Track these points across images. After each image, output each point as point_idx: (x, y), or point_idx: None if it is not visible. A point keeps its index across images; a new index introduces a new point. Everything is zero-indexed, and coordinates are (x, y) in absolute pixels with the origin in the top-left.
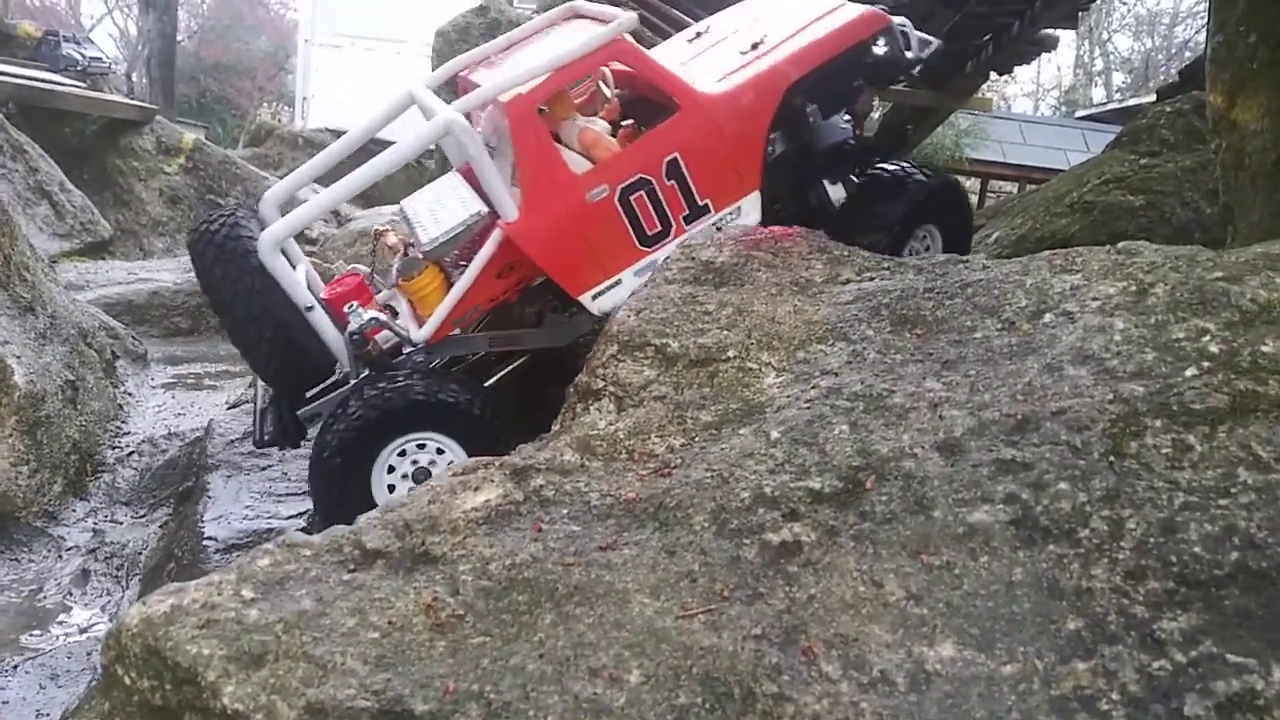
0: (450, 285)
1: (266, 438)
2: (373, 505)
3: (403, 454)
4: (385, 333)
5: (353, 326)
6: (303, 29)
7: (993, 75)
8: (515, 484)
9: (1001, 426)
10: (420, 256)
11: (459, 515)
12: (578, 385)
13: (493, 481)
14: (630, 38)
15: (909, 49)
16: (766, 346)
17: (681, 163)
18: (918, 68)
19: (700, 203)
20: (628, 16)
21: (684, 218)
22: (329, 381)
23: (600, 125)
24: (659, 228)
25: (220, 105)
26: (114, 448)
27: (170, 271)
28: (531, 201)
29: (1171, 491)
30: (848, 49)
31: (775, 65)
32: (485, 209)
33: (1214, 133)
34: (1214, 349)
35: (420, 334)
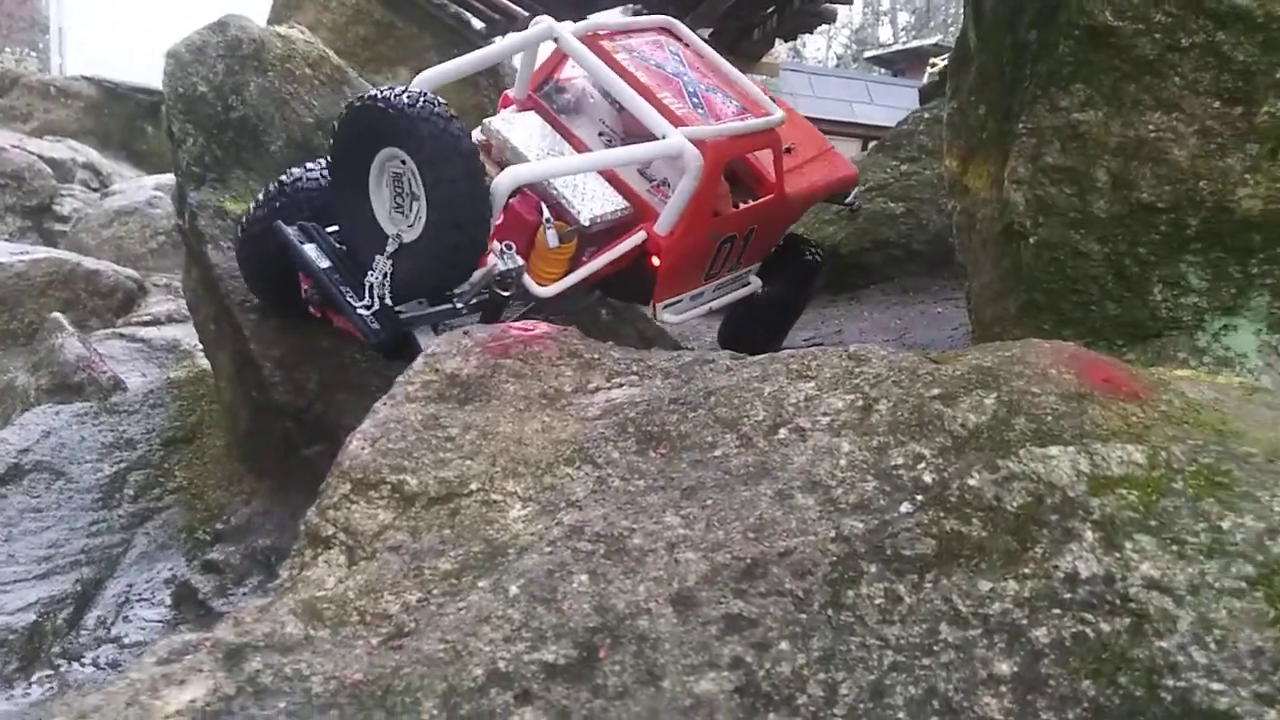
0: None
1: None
2: None
3: None
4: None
5: (504, 267)
6: None
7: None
8: (227, 672)
9: (732, 572)
10: (573, 227)
11: None
12: (307, 528)
13: (201, 671)
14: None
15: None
16: (512, 474)
17: (755, 235)
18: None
19: (744, 264)
20: (779, 115)
21: (730, 268)
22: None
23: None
24: (717, 270)
25: None
26: None
27: None
28: (688, 228)
29: (882, 650)
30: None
31: (813, 183)
32: (628, 206)
33: (949, 195)
34: (928, 479)
35: (546, 291)
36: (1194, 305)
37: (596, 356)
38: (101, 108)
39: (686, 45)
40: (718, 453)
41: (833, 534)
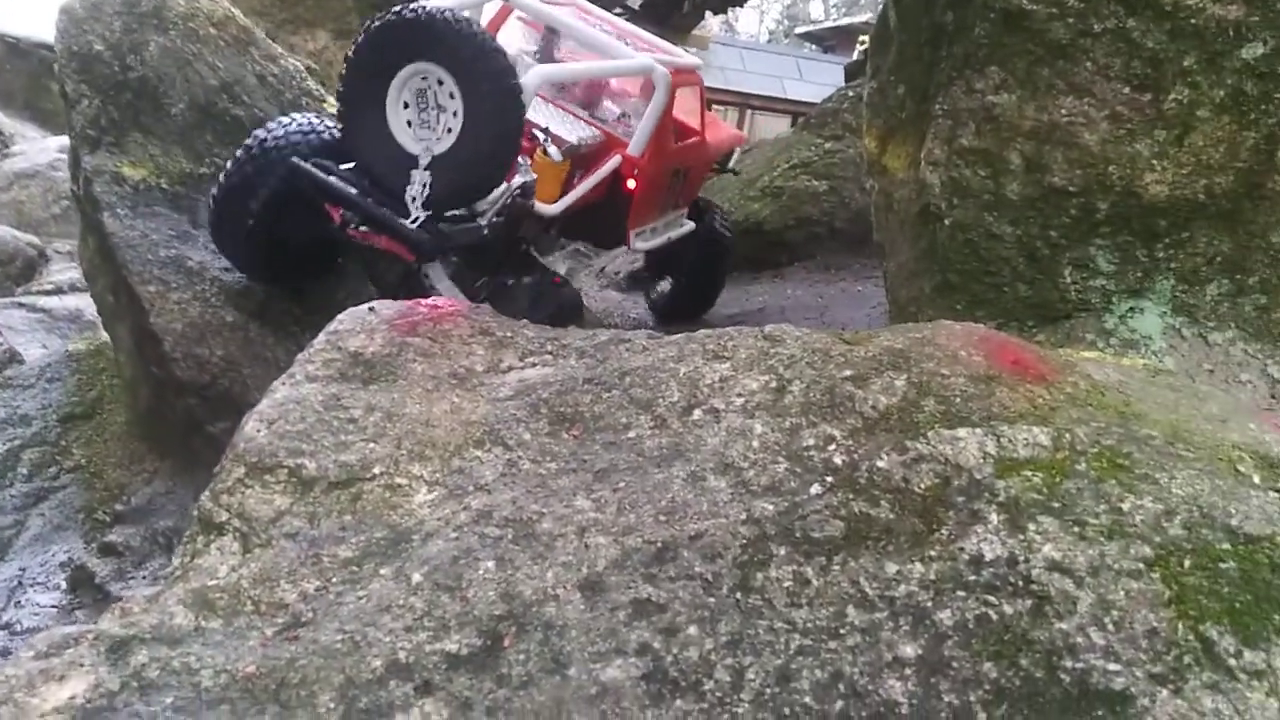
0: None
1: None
2: None
3: None
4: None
5: (522, 179)
6: None
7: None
8: (111, 666)
9: (642, 556)
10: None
11: None
12: (199, 513)
13: (82, 665)
14: None
15: None
16: (419, 457)
17: (688, 175)
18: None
19: (682, 203)
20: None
21: (673, 205)
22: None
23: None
24: (668, 203)
25: None
26: None
27: None
28: (653, 152)
29: (789, 633)
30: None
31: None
32: (600, 135)
33: (868, 174)
34: (838, 460)
35: (552, 209)
36: (1102, 288)
37: (510, 335)
38: (2, 64)
39: (599, 18)
40: (631, 434)
41: (743, 516)
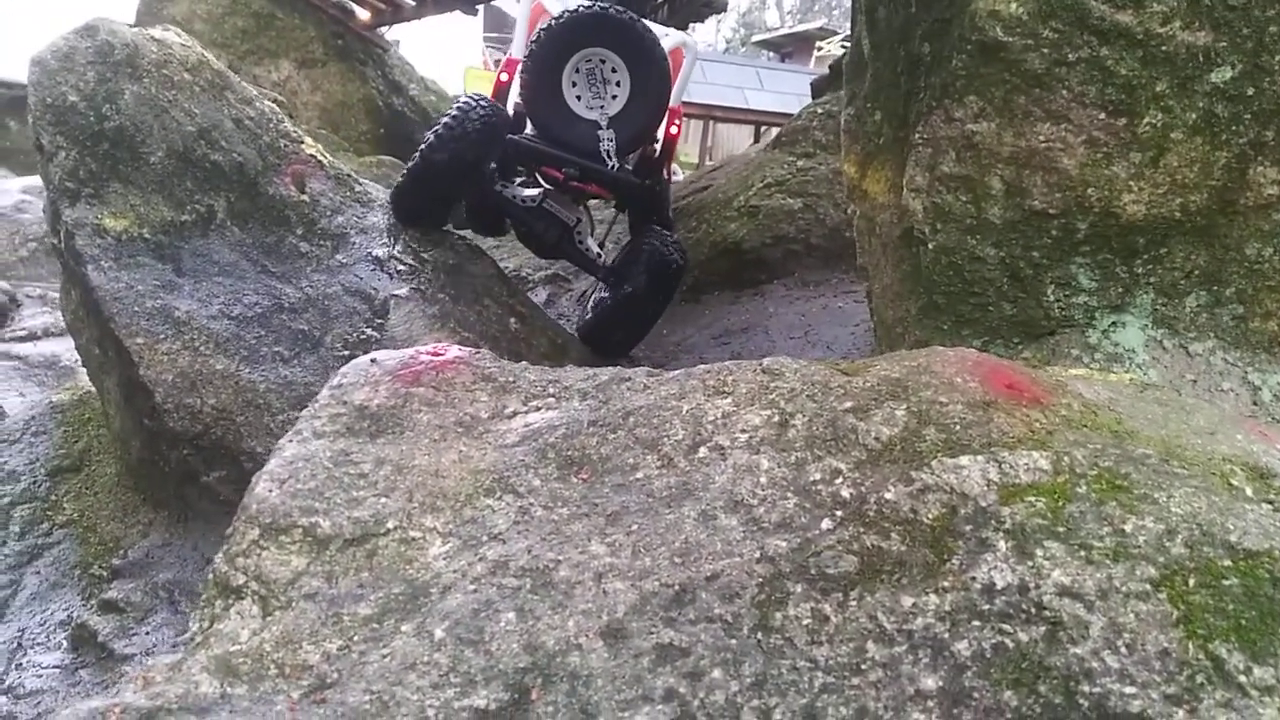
0: None
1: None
2: None
3: None
4: None
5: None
6: None
7: None
8: None
9: (661, 600)
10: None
11: None
12: (216, 577)
13: None
14: None
15: None
16: (431, 509)
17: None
18: None
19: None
20: None
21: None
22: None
23: None
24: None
25: None
26: None
27: None
28: (677, 108)
29: (812, 672)
30: None
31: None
32: None
33: (849, 199)
34: (846, 493)
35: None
36: (1085, 304)
37: (512, 379)
38: None
39: None
40: (640, 475)
41: (757, 555)
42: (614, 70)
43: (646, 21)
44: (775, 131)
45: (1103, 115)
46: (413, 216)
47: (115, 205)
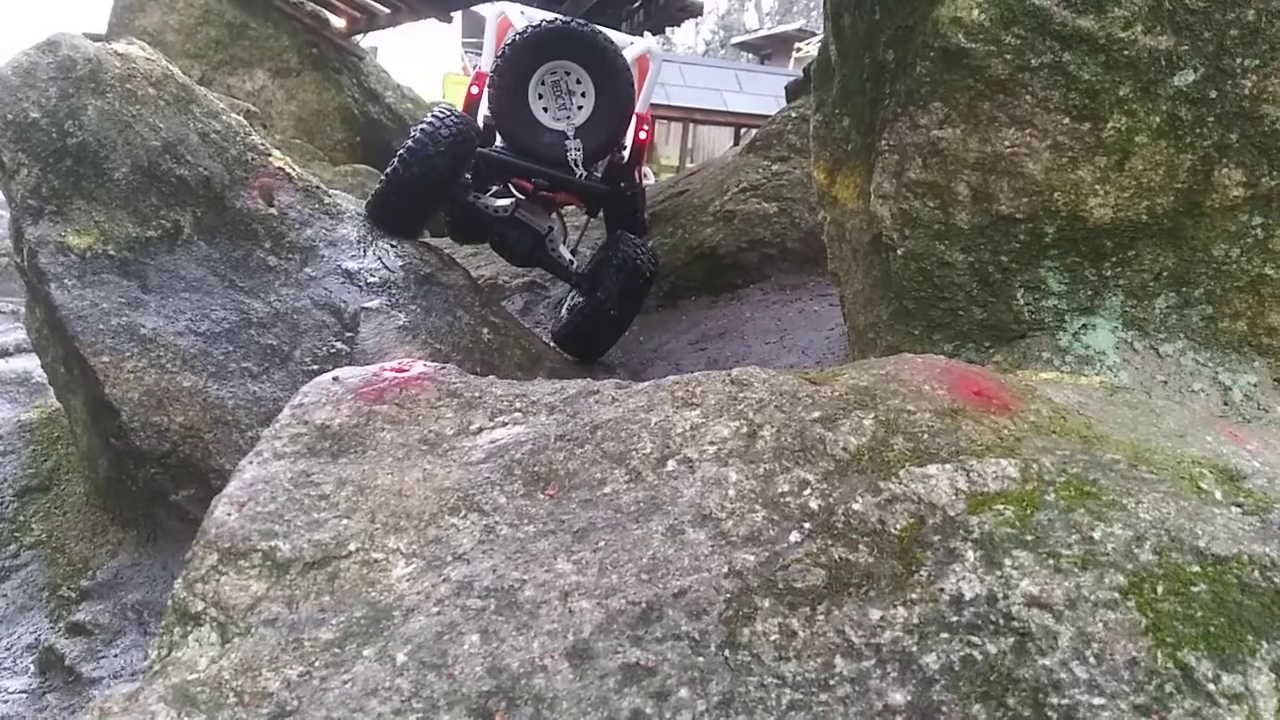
0: None
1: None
2: None
3: None
4: None
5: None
6: None
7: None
8: None
9: (628, 618)
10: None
11: None
12: (174, 603)
13: None
14: None
15: None
16: (394, 529)
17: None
18: None
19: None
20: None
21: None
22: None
23: None
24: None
25: None
26: None
27: None
28: (645, 113)
29: (780, 688)
30: None
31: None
32: None
33: (819, 205)
34: (814, 505)
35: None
36: (1054, 307)
37: (478, 395)
38: None
39: None
40: (607, 490)
41: (725, 570)
42: (579, 81)
43: (610, 31)
44: (753, 134)
45: (1067, 120)
46: (389, 227)
47: (79, 222)
